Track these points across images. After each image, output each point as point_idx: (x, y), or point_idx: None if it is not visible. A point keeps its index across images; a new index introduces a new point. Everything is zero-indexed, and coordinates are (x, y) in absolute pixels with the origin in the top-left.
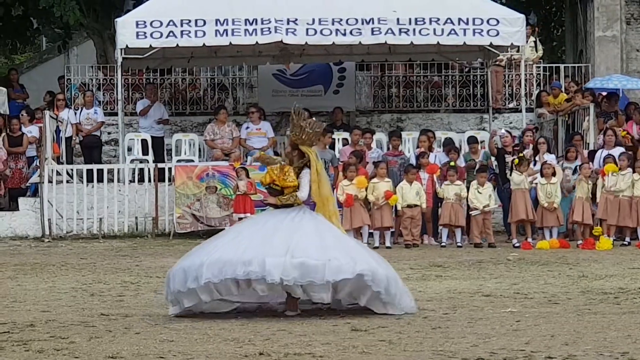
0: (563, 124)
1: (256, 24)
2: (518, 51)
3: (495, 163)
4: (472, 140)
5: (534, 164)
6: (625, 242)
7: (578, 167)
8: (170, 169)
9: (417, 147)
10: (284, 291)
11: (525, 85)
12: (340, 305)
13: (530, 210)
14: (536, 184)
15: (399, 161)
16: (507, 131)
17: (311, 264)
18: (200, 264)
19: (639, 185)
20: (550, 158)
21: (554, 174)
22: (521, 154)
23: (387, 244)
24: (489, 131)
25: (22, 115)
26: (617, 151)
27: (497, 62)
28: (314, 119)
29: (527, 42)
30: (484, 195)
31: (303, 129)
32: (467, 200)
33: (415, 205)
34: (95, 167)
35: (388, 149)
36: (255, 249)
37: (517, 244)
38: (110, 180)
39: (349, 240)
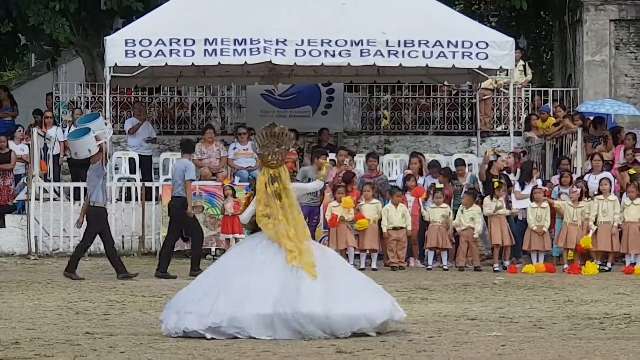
0: (551, 148)
1: (245, 44)
2: (507, 74)
3: (482, 186)
4: (459, 163)
5: (522, 188)
6: (605, 268)
7: (569, 192)
8: (157, 187)
9: (407, 169)
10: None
11: (514, 109)
12: None
13: (507, 235)
14: (524, 208)
15: (378, 181)
16: (497, 154)
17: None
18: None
19: (629, 210)
20: (539, 183)
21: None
22: (497, 180)
23: (373, 265)
24: (477, 154)
25: (17, 132)
26: (604, 176)
27: (485, 87)
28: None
29: (516, 65)
30: (466, 218)
31: (270, 151)
32: (453, 224)
33: (401, 228)
34: (82, 185)
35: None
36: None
37: (497, 268)
38: None
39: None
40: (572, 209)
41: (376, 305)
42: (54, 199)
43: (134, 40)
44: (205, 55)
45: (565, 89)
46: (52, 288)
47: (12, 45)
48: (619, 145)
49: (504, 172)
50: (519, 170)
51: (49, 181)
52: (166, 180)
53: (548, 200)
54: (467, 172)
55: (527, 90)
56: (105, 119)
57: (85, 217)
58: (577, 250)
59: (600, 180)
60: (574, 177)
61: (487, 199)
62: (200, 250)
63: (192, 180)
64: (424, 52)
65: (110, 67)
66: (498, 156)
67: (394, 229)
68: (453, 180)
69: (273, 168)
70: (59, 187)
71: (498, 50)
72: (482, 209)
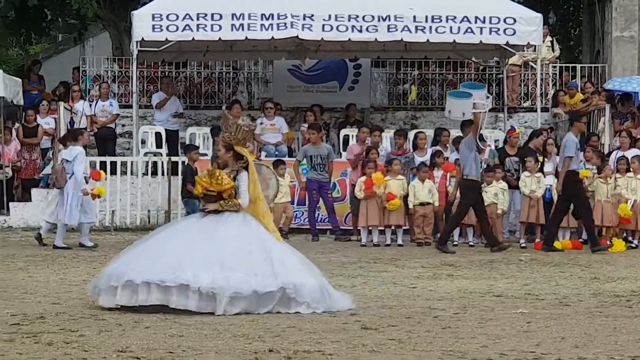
0: None
1: (272, 19)
2: (535, 50)
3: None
4: (480, 139)
5: (540, 166)
6: (632, 245)
7: (597, 169)
8: (183, 162)
9: (435, 144)
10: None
11: (541, 85)
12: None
13: (542, 214)
14: (550, 185)
15: (402, 160)
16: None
17: (239, 277)
18: (129, 266)
19: None
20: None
21: None
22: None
23: (399, 241)
24: (504, 130)
25: (42, 105)
26: (631, 153)
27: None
28: (243, 119)
29: (543, 41)
30: (489, 194)
31: (239, 127)
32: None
33: (428, 204)
34: (108, 159)
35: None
36: (187, 256)
37: (523, 244)
38: (124, 172)
39: (278, 248)
40: (604, 187)
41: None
42: None
43: (161, 15)
44: (232, 30)
45: (593, 65)
46: (78, 262)
47: (38, 19)
48: None
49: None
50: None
51: None
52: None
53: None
54: (486, 147)
55: (554, 67)
56: (487, 93)
57: (458, 190)
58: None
59: (632, 157)
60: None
61: (524, 177)
62: None
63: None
64: (451, 27)
65: (137, 42)
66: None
67: (421, 204)
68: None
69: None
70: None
71: (526, 26)
72: (508, 185)
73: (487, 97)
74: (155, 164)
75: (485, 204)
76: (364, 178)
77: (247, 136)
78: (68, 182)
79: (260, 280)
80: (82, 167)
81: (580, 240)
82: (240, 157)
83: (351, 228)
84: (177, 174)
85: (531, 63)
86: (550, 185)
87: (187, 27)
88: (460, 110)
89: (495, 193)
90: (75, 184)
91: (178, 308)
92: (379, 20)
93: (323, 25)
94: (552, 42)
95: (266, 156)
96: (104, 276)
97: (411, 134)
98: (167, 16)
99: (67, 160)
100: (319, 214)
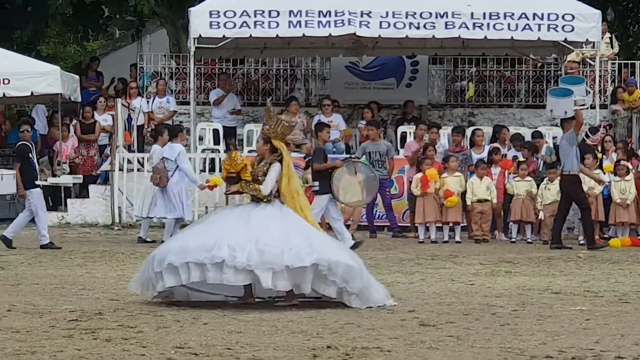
0: (637, 121)
1: (330, 15)
2: (593, 47)
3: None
4: (536, 135)
5: (598, 163)
6: None
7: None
8: None
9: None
10: (244, 283)
11: (600, 82)
12: (303, 296)
13: (602, 211)
14: (609, 182)
15: (460, 157)
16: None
17: (272, 251)
18: (168, 249)
19: None
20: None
21: (627, 172)
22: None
23: (457, 238)
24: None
25: (99, 102)
26: None
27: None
28: (283, 116)
29: (602, 38)
30: (552, 192)
31: (279, 121)
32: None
33: (486, 200)
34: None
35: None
36: (221, 236)
37: (582, 241)
38: None
39: (316, 232)
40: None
41: None
42: (138, 170)
43: (218, 12)
44: (289, 26)
45: None
46: (135, 259)
47: (96, 16)
48: None
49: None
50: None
51: (133, 152)
52: (250, 151)
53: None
54: (543, 144)
55: (613, 63)
56: (588, 87)
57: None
58: None
59: None
60: None
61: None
62: None
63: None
64: (509, 24)
65: (194, 39)
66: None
67: (479, 201)
68: (535, 154)
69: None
70: (143, 158)
71: (584, 22)
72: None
73: (588, 93)
74: (212, 160)
75: (549, 201)
76: (420, 175)
77: (285, 131)
78: (170, 179)
79: (294, 255)
80: (189, 164)
81: (639, 237)
82: (275, 150)
83: (409, 225)
84: None
85: (589, 60)
86: (609, 182)
87: (244, 24)
88: (562, 109)
89: (558, 191)
90: (181, 180)
91: (215, 283)
92: (436, 17)
93: (380, 22)
94: (610, 38)
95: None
96: (146, 265)
97: (468, 131)
98: (225, 13)
99: (167, 159)
100: (376, 211)
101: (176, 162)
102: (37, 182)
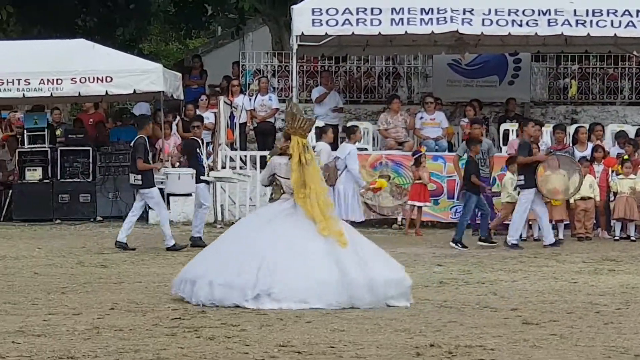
0: None
1: (432, 13)
2: None
3: None
4: (639, 133)
5: None
6: None
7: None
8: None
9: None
10: None
11: None
12: None
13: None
14: None
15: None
16: None
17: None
18: (210, 283)
19: None
20: None
21: None
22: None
23: (560, 236)
24: None
25: (201, 100)
26: None
27: None
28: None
29: None
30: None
31: (295, 117)
32: None
33: (589, 198)
34: (268, 153)
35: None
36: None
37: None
38: None
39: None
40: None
41: (400, 272)
42: (241, 168)
43: (320, 10)
44: (392, 24)
45: None
46: None
47: (198, 14)
48: None
49: None
50: None
51: (236, 150)
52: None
53: None
54: None
55: None
56: None
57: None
58: None
59: None
60: None
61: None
62: None
63: None
64: (612, 21)
65: (297, 36)
66: None
67: (582, 199)
68: (638, 151)
69: (303, 137)
70: (245, 156)
71: None
72: None
73: None
74: None
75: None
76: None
77: (304, 127)
78: (339, 178)
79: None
80: (357, 165)
81: None
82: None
83: (509, 223)
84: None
85: None
86: None
87: (346, 22)
88: None
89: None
90: (350, 180)
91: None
92: (539, 15)
93: (483, 20)
94: None
95: (426, 151)
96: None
97: (571, 129)
98: (327, 11)
99: (338, 158)
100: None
101: (345, 161)
102: (202, 178)
